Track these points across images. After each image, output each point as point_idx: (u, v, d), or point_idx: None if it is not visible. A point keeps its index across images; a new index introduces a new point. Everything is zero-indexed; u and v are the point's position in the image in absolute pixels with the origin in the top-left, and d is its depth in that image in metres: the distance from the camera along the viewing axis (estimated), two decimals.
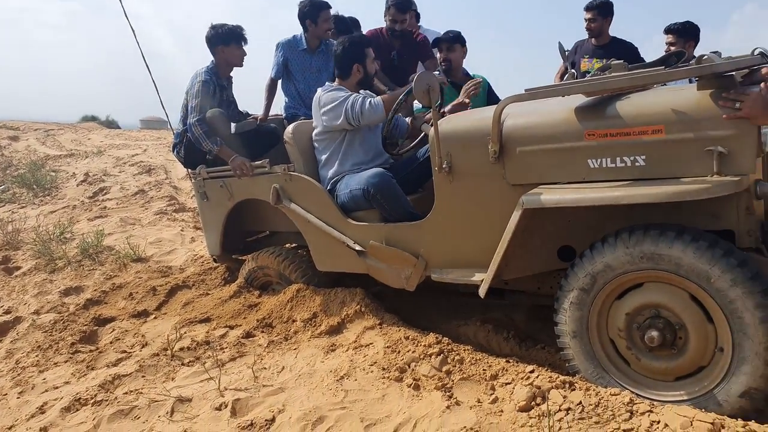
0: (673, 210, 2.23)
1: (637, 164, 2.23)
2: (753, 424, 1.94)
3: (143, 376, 2.96)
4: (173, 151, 4.06)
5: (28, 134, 12.80)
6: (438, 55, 3.84)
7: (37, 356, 3.42)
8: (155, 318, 3.82)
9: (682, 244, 2.08)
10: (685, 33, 4.06)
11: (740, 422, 1.95)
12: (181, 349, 3.20)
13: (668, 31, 4.16)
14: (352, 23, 4.73)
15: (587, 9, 4.46)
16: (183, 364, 3.05)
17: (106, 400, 2.71)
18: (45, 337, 3.65)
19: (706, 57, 2.23)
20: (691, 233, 2.09)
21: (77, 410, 2.68)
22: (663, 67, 2.28)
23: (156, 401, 2.65)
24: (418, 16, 4.80)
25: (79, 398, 2.75)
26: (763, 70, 2.27)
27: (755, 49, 2.53)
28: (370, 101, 3.09)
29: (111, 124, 23.10)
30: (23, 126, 14.00)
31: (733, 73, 2.26)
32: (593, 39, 4.55)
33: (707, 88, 2.15)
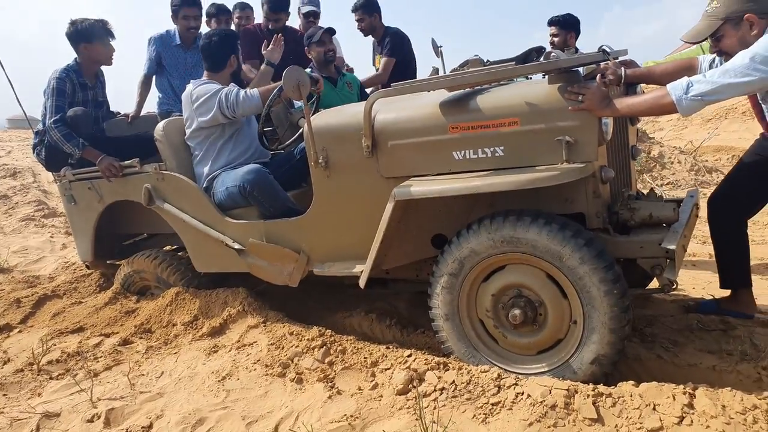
0: (532, 196, 2.40)
1: (497, 155, 2.38)
2: (601, 387, 2.16)
3: (4, 395, 2.74)
4: (33, 153, 3.78)
5: None
6: (318, 49, 3.83)
7: None
8: (20, 332, 3.52)
9: (537, 227, 2.25)
10: (566, 25, 4.34)
11: (590, 386, 2.16)
12: (50, 362, 2.99)
13: (551, 23, 4.42)
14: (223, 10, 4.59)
15: (353, 11, 4.61)
16: (51, 378, 2.86)
17: None
18: None
19: (552, 54, 2.43)
20: (545, 217, 2.27)
21: None
22: (513, 62, 2.44)
23: (18, 420, 2.47)
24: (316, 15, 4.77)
25: None
26: (602, 65, 2.50)
27: (601, 46, 2.78)
28: (246, 91, 3.06)
29: None
30: None
31: (580, 69, 2.47)
32: (371, 36, 4.71)
33: (556, 82, 2.33)
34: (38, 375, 2.90)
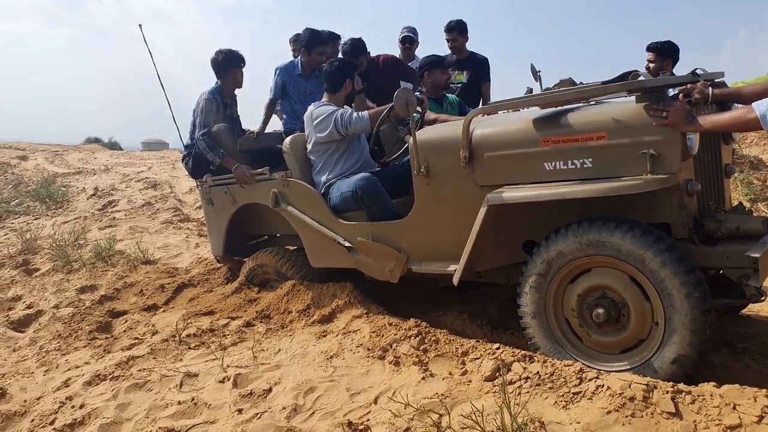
0: (619, 205, 2.56)
1: (585, 166, 2.57)
2: (681, 385, 2.25)
3: (154, 358, 3.31)
4: (182, 162, 4.47)
5: (35, 154, 13.23)
6: (441, 76, 4.23)
7: (58, 343, 3.81)
8: (164, 311, 4.18)
9: (620, 232, 2.42)
10: (663, 52, 4.37)
11: (670, 384, 2.25)
12: (188, 335, 3.55)
13: (649, 49, 4.49)
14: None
15: (447, 31, 5.02)
16: (190, 348, 3.40)
17: (123, 376, 3.08)
18: (65, 327, 4.05)
19: (641, 75, 2.61)
20: (629, 223, 2.44)
21: (97, 384, 3.05)
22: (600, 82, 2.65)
23: (166, 376, 3.00)
24: (409, 40, 5.25)
25: (99, 374, 3.13)
26: (689, 86, 2.65)
27: (695, 69, 2.92)
28: (357, 113, 3.51)
29: (114, 146, 23.51)
30: (29, 147, 14.44)
31: (675, 89, 2.63)
32: (455, 55, 5.10)
33: (643, 101, 2.51)
34: (179, 345, 3.46)
